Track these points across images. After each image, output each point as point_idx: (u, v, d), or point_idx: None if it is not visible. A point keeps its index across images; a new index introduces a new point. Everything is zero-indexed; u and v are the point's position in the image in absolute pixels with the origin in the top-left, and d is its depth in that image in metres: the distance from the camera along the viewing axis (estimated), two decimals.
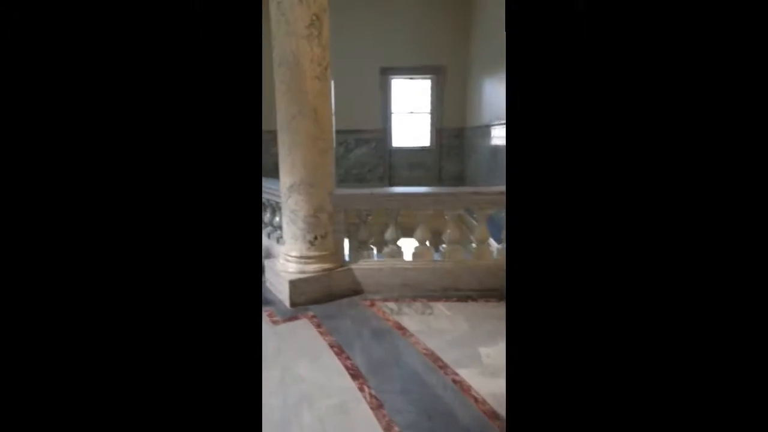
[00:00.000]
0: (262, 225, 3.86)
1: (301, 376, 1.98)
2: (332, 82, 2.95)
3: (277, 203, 3.55)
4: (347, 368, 2.04)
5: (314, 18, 2.71)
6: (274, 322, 2.58)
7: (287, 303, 2.81)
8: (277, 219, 3.62)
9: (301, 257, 2.90)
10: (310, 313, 2.68)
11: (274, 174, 7.64)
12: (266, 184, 3.83)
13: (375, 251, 3.17)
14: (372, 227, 3.16)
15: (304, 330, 2.48)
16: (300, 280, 2.82)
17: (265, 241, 3.74)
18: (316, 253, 2.92)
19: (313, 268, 2.89)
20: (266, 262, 3.27)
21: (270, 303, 2.87)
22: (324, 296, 2.86)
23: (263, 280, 3.26)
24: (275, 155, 8.03)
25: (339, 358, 2.14)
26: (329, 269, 2.93)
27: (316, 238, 2.92)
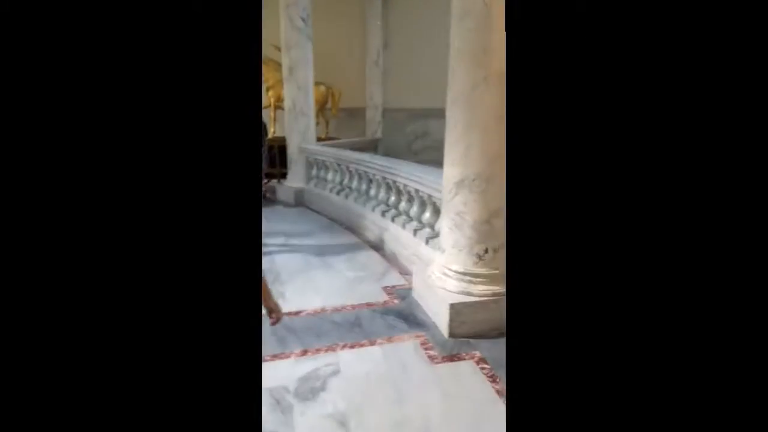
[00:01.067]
0: (407, 218, 3.31)
1: None
2: None
3: (429, 196, 2.93)
4: None
5: None
6: (431, 358, 1.98)
7: (444, 331, 2.19)
8: (427, 215, 3.01)
9: (465, 274, 2.23)
10: (477, 354, 2.01)
11: (405, 155, 7.17)
12: (411, 170, 3.24)
13: None
14: None
15: (473, 381, 1.82)
16: (463, 304, 2.16)
17: (405, 235, 3.19)
18: (484, 271, 2.22)
19: (479, 289, 2.20)
20: (414, 269, 2.70)
21: (421, 326, 2.28)
22: (492, 330, 2.17)
23: (411, 289, 2.70)
24: (409, 135, 7.58)
25: None
26: (501, 294, 2.21)
27: (486, 251, 2.21)
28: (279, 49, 5.23)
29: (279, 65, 5.52)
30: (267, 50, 5.89)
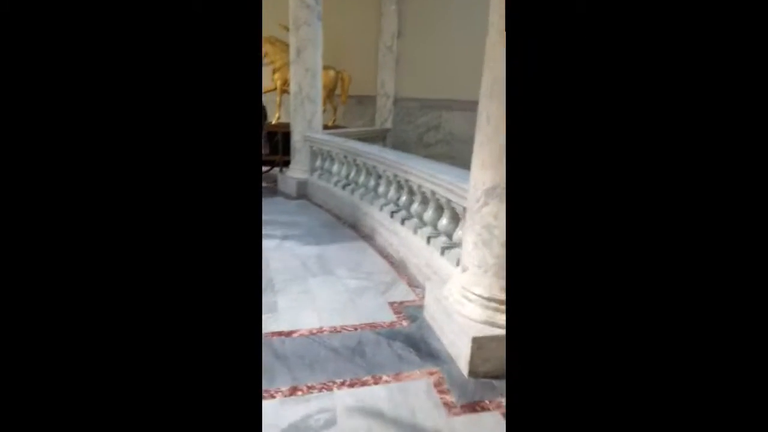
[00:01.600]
0: (419, 222, 2.94)
1: None
2: None
3: (448, 201, 2.55)
4: None
5: None
6: (448, 407, 1.62)
7: (463, 368, 1.83)
8: (444, 221, 2.63)
9: (491, 300, 1.87)
10: (504, 402, 1.66)
11: (416, 148, 6.73)
12: (427, 168, 2.86)
13: None
14: None
15: None
16: (488, 338, 1.79)
17: (417, 242, 2.82)
18: None
19: None
20: (427, 285, 2.33)
21: (435, 358, 1.93)
22: None
23: (422, 307, 2.34)
24: (420, 126, 7.15)
25: None
26: None
27: None
28: (288, 29, 4.81)
29: (287, 47, 5.10)
30: (275, 30, 5.46)
